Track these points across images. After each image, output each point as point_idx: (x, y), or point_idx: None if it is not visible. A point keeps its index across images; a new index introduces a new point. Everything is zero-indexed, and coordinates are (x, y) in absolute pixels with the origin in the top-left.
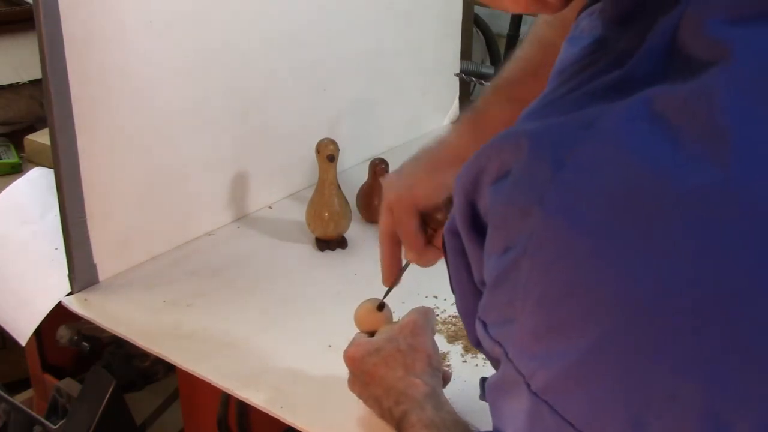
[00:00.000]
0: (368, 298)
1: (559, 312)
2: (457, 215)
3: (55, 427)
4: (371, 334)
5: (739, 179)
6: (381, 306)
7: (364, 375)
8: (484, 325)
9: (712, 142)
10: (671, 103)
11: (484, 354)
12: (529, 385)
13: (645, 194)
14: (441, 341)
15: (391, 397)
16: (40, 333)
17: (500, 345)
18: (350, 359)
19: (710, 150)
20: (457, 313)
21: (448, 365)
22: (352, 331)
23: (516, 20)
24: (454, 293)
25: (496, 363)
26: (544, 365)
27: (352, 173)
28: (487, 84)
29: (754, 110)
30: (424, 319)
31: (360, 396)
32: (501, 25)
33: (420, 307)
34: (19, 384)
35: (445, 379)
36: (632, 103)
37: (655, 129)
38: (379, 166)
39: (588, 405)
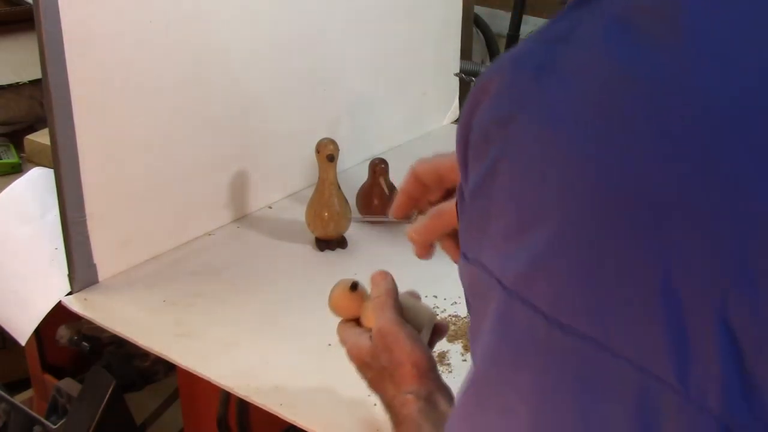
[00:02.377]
0: (340, 281)
1: (530, 205)
2: (457, 157)
3: (55, 427)
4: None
5: (690, 71)
6: (354, 286)
7: (367, 381)
8: (464, 256)
9: (672, 39)
10: (639, 8)
11: (467, 304)
12: (501, 283)
13: (616, 90)
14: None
15: (391, 414)
16: (40, 333)
17: (477, 262)
18: (352, 360)
19: (671, 47)
20: (456, 313)
21: (448, 364)
22: None
23: (516, 20)
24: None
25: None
26: (515, 260)
27: (352, 173)
28: None
29: (711, 8)
30: (390, 320)
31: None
32: (501, 25)
33: (376, 290)
34: (19, 384)
35: (442, 331)
36: (604, 12)
37: (625, 33)
38: (379, 166)
39: (554, 288)
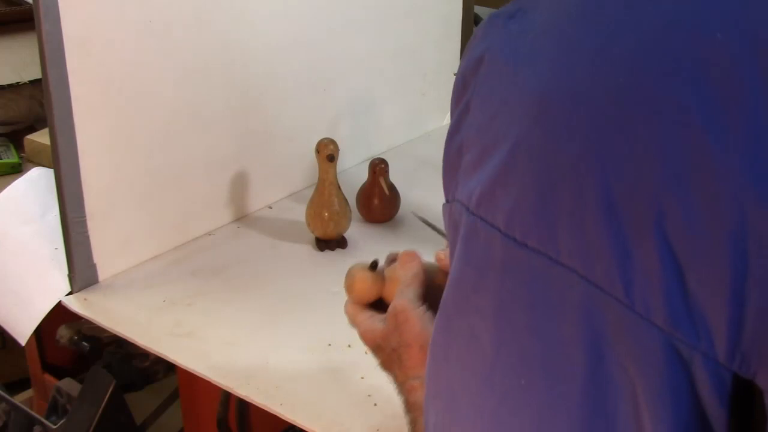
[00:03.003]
0: (357, 263)
1: (492, 131)
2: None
3: (55, 427)
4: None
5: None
6: (374, 265)
7: (380, 364)
8: (445, 201)
9: None
10: None
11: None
12: (467, 208)
13: (569, 17)
14: None
15: (402, 400)
16: (40, 333)
17: (454, 200)
18: (366, 343)
19: None
20: None
21: None
22: (352, 330)
23: None
24: None
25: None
26: (479, 183)
27: (352, 173)
28: None
29: None
30: (405, 299)
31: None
32: None
33: (404, 272)
34: (19, 384)
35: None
36: None
37: None
38: (379, 166)
39: (509, 205)
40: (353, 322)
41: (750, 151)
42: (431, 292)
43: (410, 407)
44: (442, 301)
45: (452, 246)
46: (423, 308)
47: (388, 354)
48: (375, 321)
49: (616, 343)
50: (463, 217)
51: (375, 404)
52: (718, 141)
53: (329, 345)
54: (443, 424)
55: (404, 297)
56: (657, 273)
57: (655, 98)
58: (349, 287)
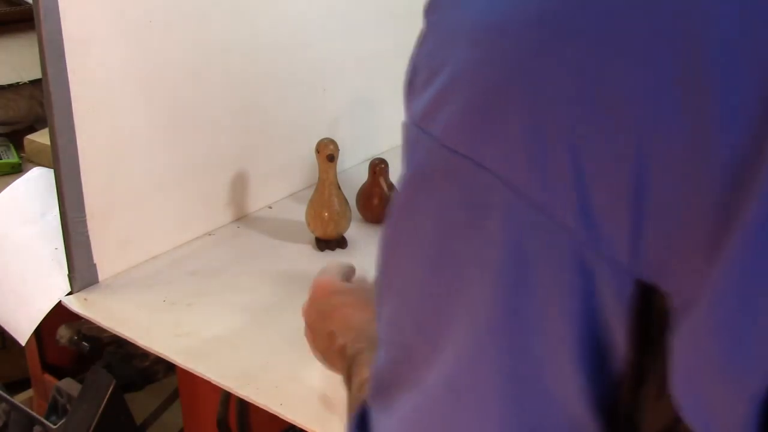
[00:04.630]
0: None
1: (440, 55)
2: None
3: (55, 427)
4: None
5: None
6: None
7: (327, 307)
8: (402, 124)
9: None
10: None
11: None
12: (414, 122)
13: None
14: None
15: (350, 334)
16: (40, 333)
17: (408, 120)
18: (319, 287)
19: None
20: None
21: None
22: None
23: None
24: None
25: None
26: (424, 101)
27: (352, 173)
28: None
29: None
30: (327, 275)
31: (310, 326)
32: None
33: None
34: (19, 384)
35: None
36: None
37: None
38: (379, 166)
39: (446, 117)
40: (325, 272)
41: (653, 85)
42: None
43: (363, 339)
44: (389, 207)
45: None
46: (343, 282)
47: (360, 296)
48: (346, 282)
49: (530, 244)
50: (411, 129)
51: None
52: (631, 65)
53: None
54: (397, 314)
55: (326, 273)
56: (566, 178)
57: (574, 21)
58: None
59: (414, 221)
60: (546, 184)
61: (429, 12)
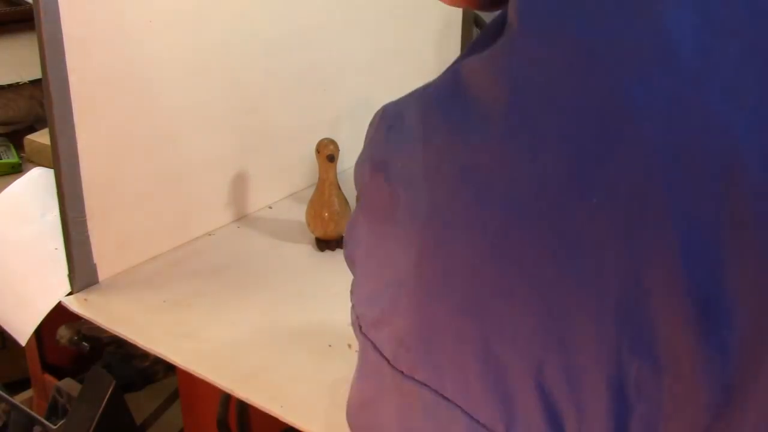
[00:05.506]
0: None
1: (377, 259)
2: None
3: (55, 427)
4: None
5: (509, 142)
6: None
7: None
8: (351, 294)
9: (494, 106)
10: (470, 71)
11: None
12: (360, 327)
13: (439, 152)
14: None
15: None
16: (40, 333)
17: (351, 292)
18: None
19: (490, 114)
20: None
21: None
22: (352, 331)
23: None
24: None
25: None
26: (369, 307)
27: (352, 173)
28: None
29: (525, 75)
30: None
31: None
32: None
33: None
34: (19, 384)
35: None
36: (448, 72)
37: (456, 95)
38: None
39: (395, 339)
40: None
41: (626, 315)
42: None
43: None
44: (351, 393)
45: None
46: None
47: None
48: None
49: None
50: (358, 332)
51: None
52: (595, 307)
53: (329, 346)
54: None
55: None
56: (537, 417)
57: (527, 267)
58: None
59: (378, 420)
60: (515, 423)
61: (360, 180)
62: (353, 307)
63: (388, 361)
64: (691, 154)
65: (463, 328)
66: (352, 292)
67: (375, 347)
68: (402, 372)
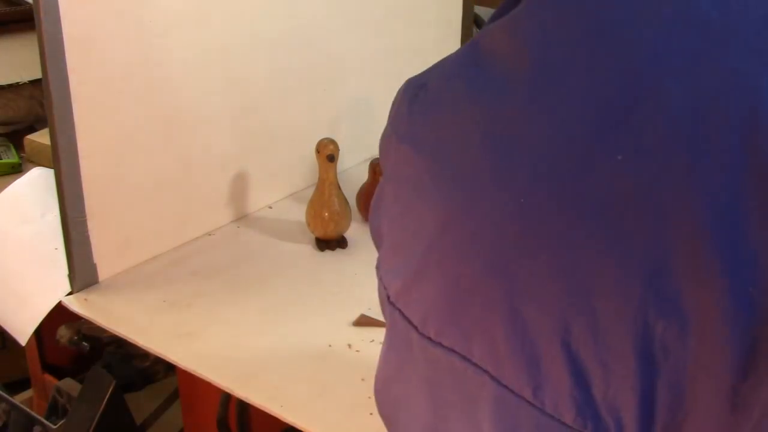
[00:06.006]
0: None
1: (403, 226)
2: None
3: (55, 427)
4: None
5: (533, 102)
6: None
7: None
8: (377, 266)
9: (517, 69)
10: (490, 39)
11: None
12: (388, 297)
13: (463, 117)
14: None
15: None
16: (40, 333)
17: (378, 272)
18: None
19: (513, 77)
20: None
21: None
22: (352, 331)
23: None
24: None
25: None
26: (397, 276)
27: (352, 173)
28: None
29: (547, 36)
30: None
31: None
32: None
33: None
34: (19, 384)
35: None
36: (468, 44)
37: (477, 62)
38: (379, 166)
39: (424, 306)
40: None
41: (651, 273)
42: None
43: None
44: (378, 369)
45: (383, 312)
46: None
47: None
48: None
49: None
50: (386, 302)
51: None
52: (620, 266)
53: (329, 346)
54: None
55: None
56: (564, 378)
57: (553, 224)
58: None
59: (407, 396)
60: (542, 383)
61: (386, 155)
62: (380, 279)
63: (417, 329)
64: (714, 110)
65: (490, 290)
66: (378, 267)
67: (403, 315)
68: (430, 338)
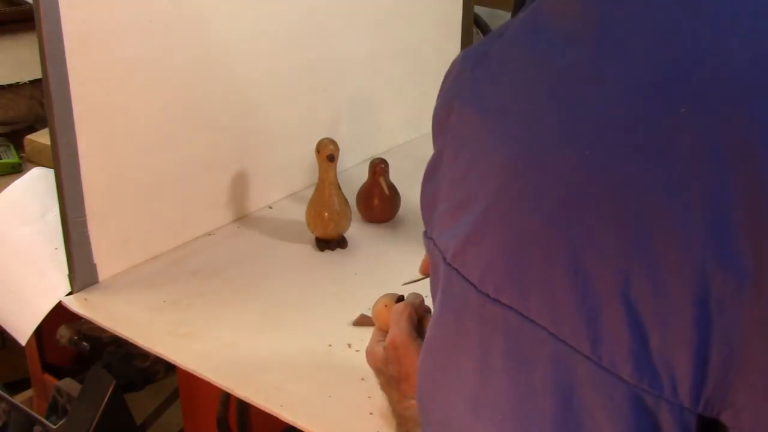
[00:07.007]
0: (387, 293)
1: (464, 186)
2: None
3: (55, 427)
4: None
5: (599, 58)
6: (400, 299)
7: (379, 384)
8: (424, 232)
9: (582, 29)
10: (552, 4)
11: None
12: (444, 259)
13: (528, 77)
14: None
15: (395, 416)
16: (40, 333)
17: (430, 238)
18: (393, 347)
19: (578, 36)
20: None
21: None
22: (352, 330)
23: None
24: None
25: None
26: (454, 237)
27: (352, 173)
28: None
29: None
30: (404, 333)
31: (382, 381)
32: None
33: (396, 307)
34: (19, 384)
35: None
36: (526, 12)
37: (539, 27)
38: (379, 166)
39: (482, 263)
40: (367, 350)
41: (712, 224)
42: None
43: (404, 420)
44: (426, 338)
45: (433, 280)
46: (420, 340)
47: (387, 378)
48: (378, 346)
49: (584, 393)
50: (441, 265)
51: (375, 406)
52: (682, 216)
53: (330, 346)
54: None
55: (401, 329)
56: (622, 331)
57: (618, 174)
58: (374, 312)
59: (453, 358)
60: (600, 337)
61: (444, 122)
62: (433, 244)
63: (475, 286)
64: None
65: (551, 243)
66: (427, 235)
67: (461, 275)
68: (488, 294)
